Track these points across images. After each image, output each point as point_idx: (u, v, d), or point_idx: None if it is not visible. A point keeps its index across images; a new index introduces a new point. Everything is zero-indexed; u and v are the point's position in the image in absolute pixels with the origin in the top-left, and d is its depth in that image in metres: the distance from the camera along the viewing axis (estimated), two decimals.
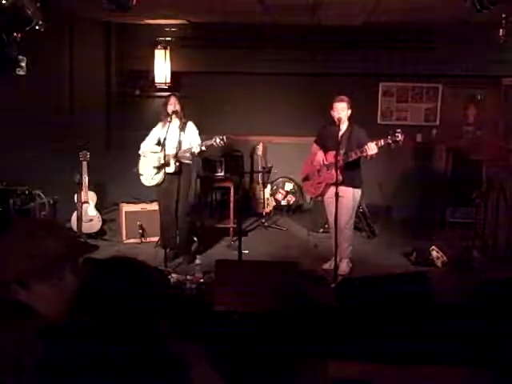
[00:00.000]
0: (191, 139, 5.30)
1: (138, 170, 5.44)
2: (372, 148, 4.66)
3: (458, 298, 4.19)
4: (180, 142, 5.21)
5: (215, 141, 5.13)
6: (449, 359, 2.53)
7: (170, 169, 5.21)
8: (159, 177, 5.28)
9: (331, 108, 4.94)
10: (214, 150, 5.77)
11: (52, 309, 1.43)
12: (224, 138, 5.13)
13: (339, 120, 4.90)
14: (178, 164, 5.19)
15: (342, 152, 4.85)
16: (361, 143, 4.80)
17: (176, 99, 5.28)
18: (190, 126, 5.35)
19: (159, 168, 5.24)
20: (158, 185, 5.35)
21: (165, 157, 5.13)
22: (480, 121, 7.48)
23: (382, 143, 4.69)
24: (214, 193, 7.37)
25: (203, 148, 5.16)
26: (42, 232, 1.48)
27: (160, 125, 5.37)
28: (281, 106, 7.47)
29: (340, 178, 4.77)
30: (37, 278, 1.41)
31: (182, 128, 5.27)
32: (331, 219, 5.11)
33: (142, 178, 5.42)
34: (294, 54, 7.27)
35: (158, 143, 5.32)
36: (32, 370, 1.26)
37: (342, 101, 4.92)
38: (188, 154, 5.25)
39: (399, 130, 4.71)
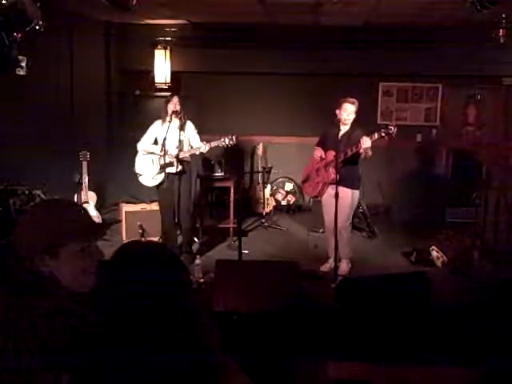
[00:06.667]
0: (190, 138, 5.29)
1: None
2: (365, 141, 4.66)
3: (457, 298, 4.20)
4: (181, 142, 5.20)
5: (223, 141, 5.13)
6: (448, 359, 2.53)
7: (173, 169, 5.19)
8: (161, 177, 5.27)
9: (339, 107, 4.88)
10: (214, 150, 5.76)
11: (75, 279, 1.49)
12: (233, 137, 5.12)
13: (343, 120, 4.89)
14: (180, 164, 5.19)
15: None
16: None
17: (178, 99, 5.25)
18: (189, 125, 5.33)
19: (162, 168, 5.22)
20: (159, 185, 5.34)
21: (165, 156, 5.11)
22: (480, 121, 7.48)
23: (376, 136, 4.70)
24: (213, 193, 7.36)
25: (207, 147, 5.16)
26: (78, 206, 1.71)
27: (158, 123, 5.31)
28: (281, 106, 7.47)
29: (338, 177, 4.74)
30: (71, 241, 1.48)
31: (182, 128, 5.26)
32: (327, 219, 5.11)
33: (141, 178, 5.39)
34: (294, 54, 7.27)
35: (155, 142, 5.31)
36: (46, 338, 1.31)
37: (353, 104, 4.87)
38: (189, 154, 5.25)
39: (392, 123, 4.77)
